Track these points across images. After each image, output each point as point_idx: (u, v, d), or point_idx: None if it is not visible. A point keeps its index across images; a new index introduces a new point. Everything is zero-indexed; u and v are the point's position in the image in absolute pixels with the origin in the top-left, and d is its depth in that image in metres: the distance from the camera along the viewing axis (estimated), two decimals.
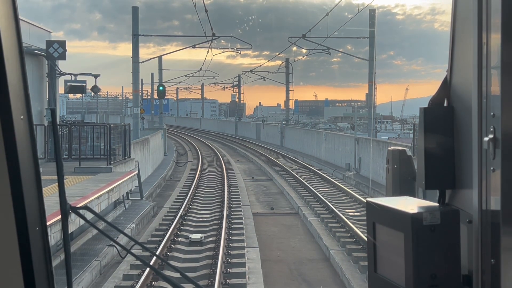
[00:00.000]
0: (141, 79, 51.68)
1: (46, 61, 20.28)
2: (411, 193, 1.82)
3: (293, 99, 53.92)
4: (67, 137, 19.19)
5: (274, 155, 36.91)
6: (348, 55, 70.06)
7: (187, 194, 19.64)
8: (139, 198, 18.60)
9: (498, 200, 1.26)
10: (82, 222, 10.98)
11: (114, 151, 18.73)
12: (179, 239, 13.38)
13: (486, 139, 1.28)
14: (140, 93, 44.27)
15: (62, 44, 19.37)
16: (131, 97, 42.62)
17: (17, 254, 1.24)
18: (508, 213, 1.25)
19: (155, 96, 44.44)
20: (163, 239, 12.86)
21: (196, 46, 33.22)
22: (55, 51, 19.14)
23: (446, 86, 1.60)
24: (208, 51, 37.07)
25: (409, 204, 1.48)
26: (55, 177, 1.50)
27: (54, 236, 9.42)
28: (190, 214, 16.54)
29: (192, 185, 22.09)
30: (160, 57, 44.96)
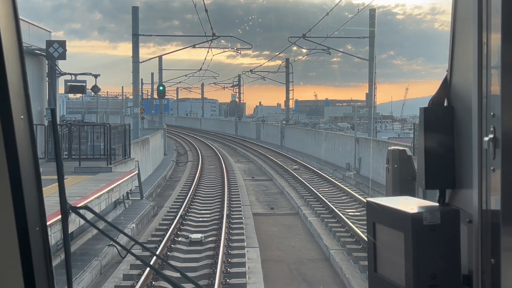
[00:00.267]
0: (141, 79, 51.69)
1: (46, 61, 20.28)
2: (411, 193, 1.82)
3: (293, 99, 53.96)
4: (67, 137, 19.19)
5: (274, 155, 36.91)
6: (348, 55, 70.14)
7: (187, 194, 19.64)
8: (139, 198, 18.60)
9: (498, 200, 1.26)
10: (82, 222, 10.98)
11: (114, 151, 18.73)
12: (179, 239, 13.38)
13: (486, 139, 1.28)
14: (140, 93, 44.27)
15: (62, 44, 19.37)
16: (131, 97, 42.65)
17: (17, 254, 1.24)
18: (508, 213, 1.25)
19: (155, 96, 44.45)
20: (163, 239, 12.86)
21: (196, 46, 33.23)
22: (55, 51, 19.14)
23: (446, 86, 1.60)
24: (208, 51, 37.12)
25: (409, 204, 1.48)
26: (55, 177, 1.50)
27: (54, 236, 9.42)
28: (190, 214, 16.55)
29: (192, 185, 22.09)
30: (160, 57, 44.98)
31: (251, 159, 36.09)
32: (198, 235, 13.50)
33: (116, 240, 1.90)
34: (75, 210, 1.54)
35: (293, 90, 51.45)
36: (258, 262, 11.55)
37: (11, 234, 1.23)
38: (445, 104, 1.60)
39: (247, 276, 10.49)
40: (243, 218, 15.94)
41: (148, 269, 9.85)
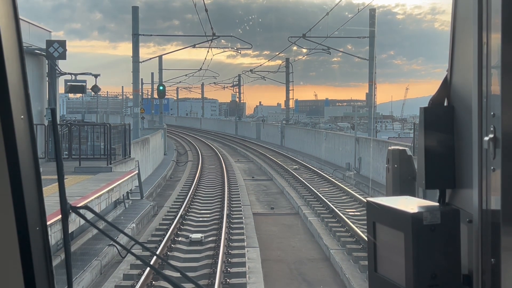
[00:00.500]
0: (141, 79, 51.68)
1: (46, 61, 20.29)
2: (411, 192, 1.82)
3: (293, 98, 54.00)
4: (67, 137, 19.19)
5: (274, 154, 36.90)
6: (348, 54, 70.14)
7: (187, 194, 19.64)
8: (139, 198, 18.60)
9: (498, 200, 1.26)
10: (82, 221, 10.98)
11: (114, 150, 18.74)
12: (179, 238, 13.38)
13: (486, 138, 1.28)
14: (140, 93, 44.25)
15: (62, 43, 19.37)
16: (131, 96, 42.64)
17: (17, 254, 1.24)
18: (508, 213, 1.25)
19: (155, 95, 44.45)
20: (163, 238, 12.86)
21: (196, 45, 33.23)
22: (55, 50, 19.14)
23: (446, 85, 1.60)
24: (208, 51, 37.12)
25: (409, 204, 1.48)
26: (55, 176, 1.50)
27: (54, 236, 9.42)
28: (190, 214, 16.55)
29: (192, 184, 22.10)
30: (160, 57, 44.96)
31: (251, 159, 36.09)
32: (198, 235, 13.50)
33: (116, 240, 1.90)
34: (75, 210, 1.54)
35: (293, 90, 51.54)
36: (258, 262, 11.55)
37: (11, 234, 1.23)
38: (445, 104, 1.60)
39: (247, 276, 10.49)
40: (243, 218, 15.94)
41: (148, 269, 9.85)
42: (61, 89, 23.55)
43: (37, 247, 1.29)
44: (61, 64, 20.91)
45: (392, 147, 1.97)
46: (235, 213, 16.62)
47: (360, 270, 10.97)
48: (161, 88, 37.51)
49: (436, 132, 1.55)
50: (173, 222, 14.64)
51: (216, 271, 10.32)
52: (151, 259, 10.27)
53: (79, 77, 21.49)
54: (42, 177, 1.35)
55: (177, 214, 15.86)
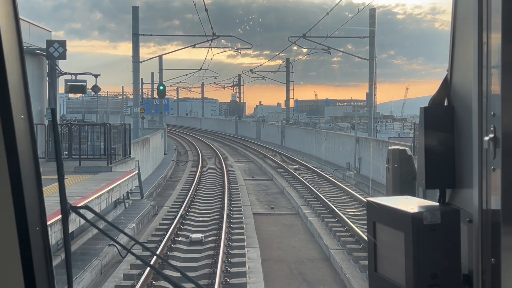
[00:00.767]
0: (142, 79, 51.69)
1: (47, 61, 20.28)
2: (412, 192, 1.82)
3: (293, 98, 54.02)
4: (67, 137, 19.20)
5: (274, 154, 36.90)
6: (348, 54, 70.11)
7: (188, 194, 19.64)
8: (140, 198, 18.60)
9: (499, 200, 1.26)
10: (83, 221, 10.98)
11: (114, 150, 18.74)
12: (180, 238, 13.38)
13: (486, 138, 1.28)
14: (141, 93, 44.26)
15: (62, 43, 19.37)
16: (131, 96, 42.62)
17: (17, 254, 1.24)
18: (508, 213, 1.25)
19: (155, 95, 44.45)
20: (163, 238, 12.87)
21: (197, 45, 33.23)
22: (55, 50, 19.14)
23: (447, 85, 1.60)
24: (208, 51, 37.11)
25: (410, 204, 1.48)
26: (56, 176, 1.50)
27: (55, 236, 9.42)
28: (190, 214, 16.55)
29: (192, 184, 22.10)
30: (160, 57, 44.96)
31: (251, 158, 36.09)
32: (198, 235, 13.50)
33: (117, 240, 1.90)
34: (75, 209, 1.54)
35: (293, 89, 51.56)
36: (258, 261, 11.55)
37: (11, 234, 1.23)
38: (445, 103, 1.60)
39: (247, 275, 10.49)
40: (243, 217, 15.94)
41: (148, 268, 9.85)
42: (61, 89, 23.56)
43: (37, 247, 1.29)
44: (61, 64, 20.93)
45: (392, 147, 1.98)
46: (235, 213, 16.62)
47: (360, 270, 10.97)
48: (161, 88, 37.51)
49: (436, 132, 1.55)
50: (173, 222, 14.65)
51: (216, 271, 10.32)
52: (151, 259, 10.27)
53: (79, 77, 21.49)
54: (42, 177, 1.35)
55: (177, 214, 15.86)
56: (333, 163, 30.42)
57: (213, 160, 33.79)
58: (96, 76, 22.01)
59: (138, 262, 10.48)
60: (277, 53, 53.57)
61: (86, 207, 1.69)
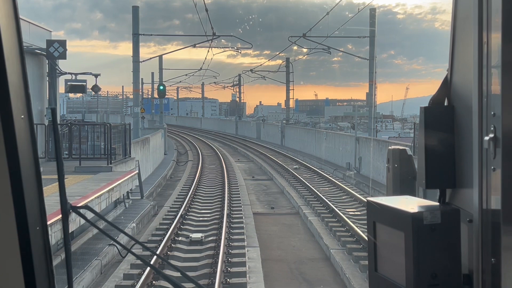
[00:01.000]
0: (142, 79, 51.72)
1: (47, 61, 20.28)
2: (412, 192, 1.82)
3: (293, 98, 53.97)
4: (67, 137, 19.20)
5: (274, 154, 36.90)
6: (348, 54, 70.08)
7: (188, 194, 19.64)
8: (140, 198, 18.60)
9: (499, 200, 1.26)
10: (83, 221, 10.99)
11: (114, 150, 18.73)
12: (180, 238, 13.38)
13: (486, 138, 1.28)
14: (141, 93, 44.27)
15: (62, 43, 19.38)
16: (131, 96, 42.62)
17: (17, 254, 1.24)
18: (508, 213, 1.25)
19: (156, 95, 44.41)
20: (163, 238, 12.87)
21: (197, 45, 33.23)
22: (55, 50, 19.14)
23: (447, 85, 1.60)
24: (208, 51, 37.11)
25: (410, 204, 1.48)
26: (56, 176, 1.50)
27: (55, 236, 9.42)
28: (190, 214, 16.55)
29: (192, 184, 22.10)
30: (160, 57, 44.94)
31: (251, 158, 36.10)
32: (199, 235, 13.50)
33: (117, 240, 1.90)
34: (76, 209, 1.54)
35: (293, 89, 51.52)
36: (259, 261, 11.55)
37: (11, 234, 1.23)
38: (446, 103, 1.60)
39: (247, 275, 10.49)
40: (244, 217, 15.94)
41: (148, 268, 9.85)
42: (61, 88, 23.56)
43: (37, 247, 1.29)
44: (62, 64, 20.93)
45: (393, 147, 1.98)
46: (235, 212, 16.62)
47: (360, 269, 10.97)
48: (161, 87, 37.51)
49: (436, 131, 1.55)
50: (173, 222, 14.65)
51: (216, 271, 10.32)
52: (152, 259, 10.28)
53: (79, 77, 21.49)
54: (42, 176, 1.35)
55: (177, 213, 15.86)
56: (333, 163, 30.42)
57: (213, 160, 33.79)
58: (96, 76, 22.01)
59: (138, 262, 10.48)
60: (277, 53, 53.61)
61: (86, 207, 1.69)
